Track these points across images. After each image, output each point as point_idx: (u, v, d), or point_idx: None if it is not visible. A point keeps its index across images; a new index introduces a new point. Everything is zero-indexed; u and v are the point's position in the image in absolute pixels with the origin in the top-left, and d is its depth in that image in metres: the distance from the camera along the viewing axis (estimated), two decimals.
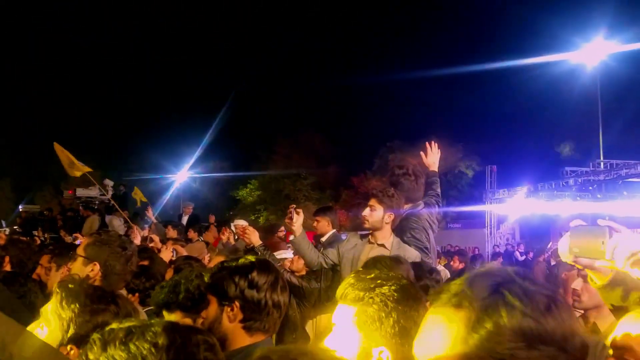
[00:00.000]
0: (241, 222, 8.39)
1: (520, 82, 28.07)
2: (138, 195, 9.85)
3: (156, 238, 6.42)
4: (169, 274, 3.91)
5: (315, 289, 5.00)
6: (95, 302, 1.46)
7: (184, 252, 5.57)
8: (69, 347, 1.41)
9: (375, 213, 3.38)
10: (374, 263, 2.42)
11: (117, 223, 9.68)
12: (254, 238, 4.30)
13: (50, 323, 1.47)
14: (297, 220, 3.64)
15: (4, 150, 32.47)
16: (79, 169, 6.79)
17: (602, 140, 18.87)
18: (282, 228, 5.27)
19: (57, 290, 1.47)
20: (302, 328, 4.61)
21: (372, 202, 3.41)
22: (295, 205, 3.75)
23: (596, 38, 19.41)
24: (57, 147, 6.70)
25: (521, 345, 0.76)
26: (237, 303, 1.72)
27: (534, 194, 16.94)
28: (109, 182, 10.29)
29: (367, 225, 3.42)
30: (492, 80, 34.18)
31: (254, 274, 1.73)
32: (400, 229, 3.59)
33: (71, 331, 1.43)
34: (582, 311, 2.48)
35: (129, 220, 8.00)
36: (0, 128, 34.18)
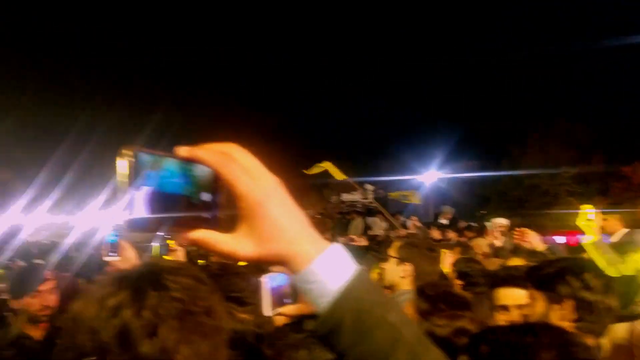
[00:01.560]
0: (502, 221, 7.94)
1: None
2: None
3: None
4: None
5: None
6: (452, 308, 1.51)
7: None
8: None
9: None
10: None
11: (379, 224, 10.36)
12: (536, 242, 4.01)
13: None
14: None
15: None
16: (340, 175, 9.16)
17: None
18: None
19: (416, 293, 1.58)
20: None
21: None
22: (591, 206, 3.37)
23: None
24: (328, 165, 9.28)
25: None
26: (569, 302, 1.69)
27: None
28: (369, 187, 11.09)
29: None
30: None
31: (589, 275, 1.69)
32: None
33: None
34: None
35: (391, 220, 8.46)
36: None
